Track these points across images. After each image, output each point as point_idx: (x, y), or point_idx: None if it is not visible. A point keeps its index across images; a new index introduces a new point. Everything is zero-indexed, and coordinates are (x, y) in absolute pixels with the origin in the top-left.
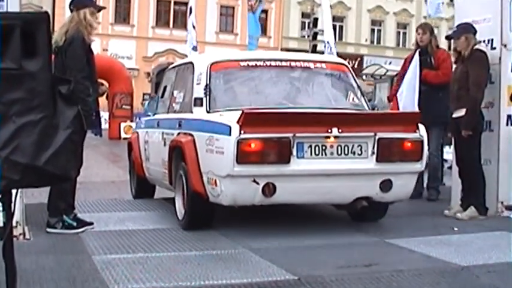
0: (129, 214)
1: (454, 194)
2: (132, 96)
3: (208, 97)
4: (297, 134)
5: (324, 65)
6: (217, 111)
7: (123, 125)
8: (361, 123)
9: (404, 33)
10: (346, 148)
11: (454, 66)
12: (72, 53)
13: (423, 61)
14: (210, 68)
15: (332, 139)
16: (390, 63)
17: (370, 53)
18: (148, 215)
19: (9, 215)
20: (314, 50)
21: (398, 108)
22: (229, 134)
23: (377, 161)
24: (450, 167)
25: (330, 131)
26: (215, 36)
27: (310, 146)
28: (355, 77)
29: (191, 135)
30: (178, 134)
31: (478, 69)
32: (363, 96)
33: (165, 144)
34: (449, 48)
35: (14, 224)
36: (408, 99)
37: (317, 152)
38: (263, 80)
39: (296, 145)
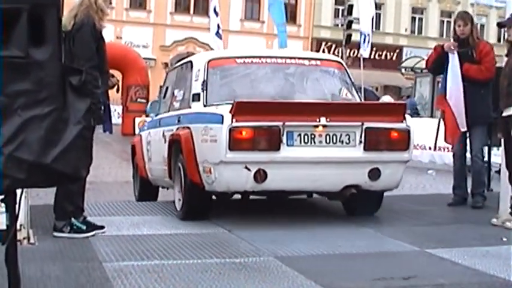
0: (144, 218)
1: (503, 201)
2: (148, 89)
3: (205, 92)
4: (287, 123)
5: (318, 62)
6: (214, 105)
7: (137, 120)
8: (348, 113)
9: (449, 22)
10: (334, 137)
11: (505, 58)
12: (81, 39)
13: (463, 54)
14: (208, 64)
15: (320, 128)
16: None
17: (410, 44)
18: (165, 219)
19: (12, 217)
20: (348, 40)
21: (454, 117)
22: (222, 123)
23: (364, 149)
24: (498, 171)
25: (318, 120)
26: (240, 24)
27: (300, 135)
28: (349, 75)
29: (188, 128)
30: (177, 129)
31: None
32: (357, 93)
33: (165, 141)
34: (498, 39)
35: (17, 227)
36: (458, 102)
37: (306, 141)
38: (258, 76)
39: (286, 133)
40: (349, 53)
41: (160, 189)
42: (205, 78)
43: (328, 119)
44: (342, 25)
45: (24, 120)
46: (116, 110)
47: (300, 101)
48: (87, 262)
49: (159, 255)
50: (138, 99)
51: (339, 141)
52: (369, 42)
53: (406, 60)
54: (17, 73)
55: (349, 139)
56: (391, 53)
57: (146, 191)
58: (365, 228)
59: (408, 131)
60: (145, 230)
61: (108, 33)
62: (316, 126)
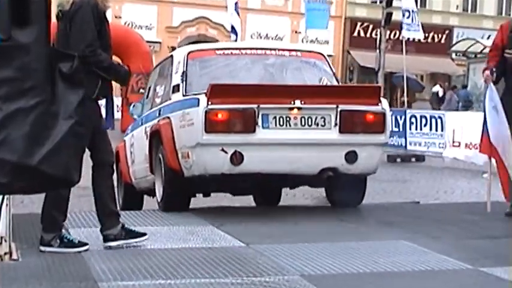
0: (147, 229)
1: None
2: None
3: (184, 83)
4: (262, 105)
5: (299, 53)
6: (193, 94)
7: None
8: (323, 96)
9: None
10: (309, 119)
11: None
12: (81, 20)
13: None
14: (187, 56)
15: (295, 111)
16: (489, 37)
17: (462, 25)
18: (171, 231)
19: None
20: (388, 20)
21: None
22: (198, 105)
23: (340, 132)
24: None
25: (293, 102)
26: (260, 1)
27: (275, 117)
28: (331, 66)
29: (168, 118)
30: (158, 121)
31: None
32: (338, 83)
33: (147, 138)
34: None
35: None
36: (506, 149)
37: (281, 123)
38: (237, 67)
39: (261, 116)
40: (389, 35)
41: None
42: (185, 69)
43: (302, 102)
44: (381, 2)
45: (5, 114)
46: (115, 103)
47: (275, 83)
48: (80, 282)
49: (164, 274)
50: (141, 90)
51: (314, 123)
52: (413, 22)
53: (457, 43)
54: None
55: (324, 122)
56: (440, 35)
57: (130, 198)
58: (404, 241)
59: (384, 114)
60: (148, 243)
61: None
62: (291, 108)
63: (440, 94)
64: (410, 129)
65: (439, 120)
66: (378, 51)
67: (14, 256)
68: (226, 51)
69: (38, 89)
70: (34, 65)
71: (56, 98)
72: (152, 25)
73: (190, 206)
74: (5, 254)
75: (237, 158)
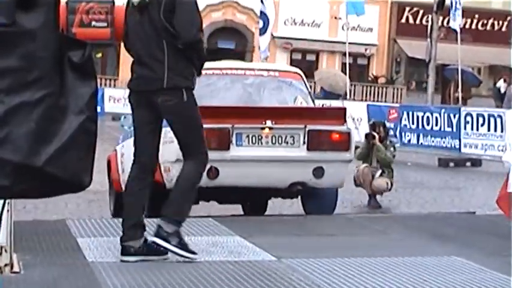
0: None
1: None
2: None
3: None
4: (236, 125)
5: (276, 73)
6: None
7: None
8: (292, 117)
9: None
10: (279, 138)
11: None
12: (189, 4)
13: None
14: None
15: (267, 130)
16: None
17: None
18: (192, 241)
19: None
20: (441, 5)
21: None
22: None
23: (308, 149)
24: None
25: (264, 123)
26: None
27: (248, 136)
28: (307, 84)
29: None
30: None
31: None
32: (313, 102)
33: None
34: None
35: None
36: None
37: (254, 141)
38: (218, 86)
39: (235, 134)
40: (442, 22)
41: None
42: None
43: (273, 122)
44: None
45: (8, 108)
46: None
47: (248, 105)
48: None
49: None
50: None
51: (284, 142)
52: (453, 7)
53: None
54: (0, 46)
55: (293, 140)
56: (500, 22)
57: (120, 206)
58: (457, 257)
59: (349, 133)
60: (167, 255)
61: None
62: (263, 128)
63: (503, 90)
64: (465, 129)
65: (498, 120)
66: (428, 40)
67: (16, 268)
68: (208, 72)
69: (45, 80)
70: (40, 53)
71: (65, 90)
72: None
73: (214, 214)
74: (5, 265)
75: (213, 173)
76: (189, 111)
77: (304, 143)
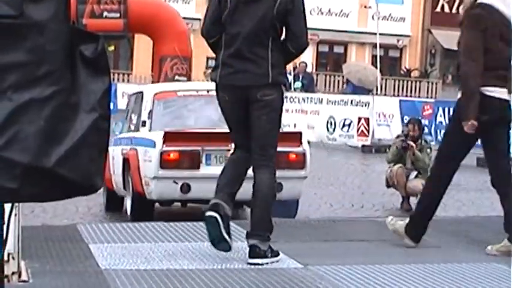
0: (183, 245)
1: None
2: (191, 62)
3: (150, 120)
4: (205, 148)
5: None
6: (156, 130)
7: None
8: None
9: None
10: None
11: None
12: (301, 9)
13: None
14: (154, 96)
15: (232, 152)
16: None
17: None
18: (210, 247)
19: None
20: None
21: None
22: (155, 147)
23: None
24: None
25: (229, 145)
26: None
27: (216, 156)
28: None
29: (136, 149)
30: (130, 149)
31: (466, 33)
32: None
33: (122, 159)
34: None
35: (5, 257)
36: None
37: (221, 161)
38: (193, 107)
39: (205, 155)
40: None
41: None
42: (152, 108)
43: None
44: None
45: (16, 106)
46: None
47: (215, 130)
48: None
49: None
50: (176, 77)
51: None
52: None
53: None
54: (7, 39)
55: None
56: None
57: (112, 201)
58: (497, 263)
59: (304, 153)
60: (185, 262)
61: None
62: (228, 150)
63: None
64: None
65: None
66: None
67: (24, 277)
68: (185, 93)
69: (55, 76)
70: (50, 47)
71: (77, 86)
72: None
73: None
74: (13, 273)
75: (185, 188)
76: (281, 106)
77: None
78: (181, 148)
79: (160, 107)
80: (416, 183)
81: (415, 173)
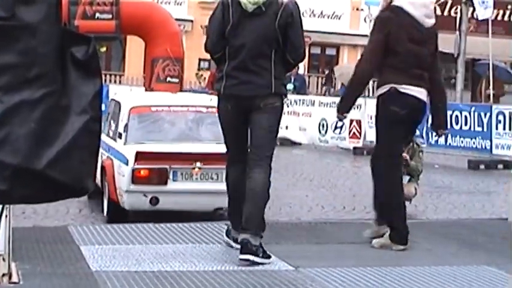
0: (174, 247)
1: None
2: (183, 64)
3: (126, 133)
4: (172, 166)
5: (214, 109)
6: (131, 143)
7: None
8: (217, 160)
9: None
10: (206, 175)
11: None
12: (299, 24)
13: None
14: (130, 111)
15: (196, 169)
16: None
17: None
18: (204, 250)
19: None
20: None
21: None
22: (127, 164)
23: None
24: None
25: (195, 164)
26: None
27: (182, 173)
28: None
29: (112, 160)
30: (107, 157)
31: (372, 34)
32: None
33: (101, 164)
34: None
35: None
36: None
37: (186, 177)
38: (166, 121)
39: (172, 172)
40: (472, 14)
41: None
42: (127, 121)
43: (201, 163)
44: None
45: (7, 108)
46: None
47: (182, 151)
48: None
49: None
50: (168, 79)
51: (210, 178)
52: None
53: None
54: None
55: (217, 176)
56: None
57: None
58: (488, 266)
59: None
60: (176, 264)
61: None
62: (193, 168)
63: None
64: (497, 129)
65: None
66: (457, 32)
67: (14, 278)
68: (158, 108)
69: (46, 78)
70: (41, 49)
71: (67, 88)
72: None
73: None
74: (4, 275)
75: (154, 201)
76: (281, 114)
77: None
78: (150, 166)
79: (135, 121)
80: (410, 188)
81: (407, 177)
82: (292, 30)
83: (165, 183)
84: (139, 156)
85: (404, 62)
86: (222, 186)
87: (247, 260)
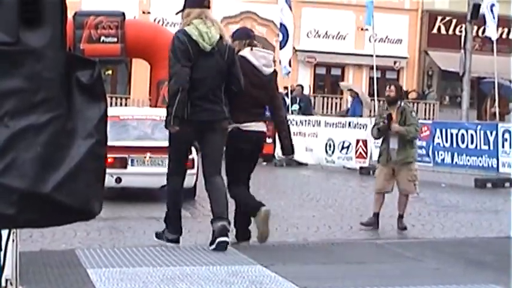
0: (181, 269)
1: None
2: None
3: None
4: (130, 155)
5: (163, 117)
6: None
7: None
8: (162, 151)
9: None
10: (155, 161)
11: None
12: (237, 63)
13: None
14: None
15: (147, 158)
16: None
17: None
18: (211, 271)
19: None
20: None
21: None
22: None
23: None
24: None
25: (146, 154)
26: None
27: (137, 160)
28: None
29: None
30: None
31: None
32: None
33: None
34: None
35: (2, 283)
36: None
37: (140, 164)
38: (129, 127)
39: (130, 160)
40: (476, 32)
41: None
42: None
43: (151, 154)
44: None
45: (13, 132)
46: None
47: (138, 145)
48: None
49: None
50: None
51: (157, 164)
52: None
53: None
54: (4, 66)
55: (162, 162)
56: None
57: None
58: (496, 285)
59: (193, 159)
60: (183, 286)
61: (132, 7)
62: (145, 157)
63: None
64: (503, 147)
65: None
66: (462, 51)
67: None
68: (125, 117)
69: (52, 103)
70: (47, 74)
71: (73, 112)
72: None
73: (232, 241)
74: None
75: (118, 180)
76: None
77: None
78: (115, 155)
79: (108, 125)
80: (408, 187)
81: (396, 148)
82: (234, 67)
83: (125, 167)
84: (108, 149)
85: (247, 103)
86: (166, 169)
87: (225, 241)
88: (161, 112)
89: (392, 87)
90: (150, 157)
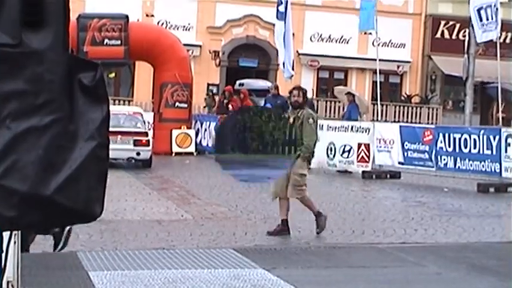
0: (183, 272)
1: None
2: (191, 89)
3: None
4: (110, 137)
5: (131, 112)
6: None
7: (175, 132)
8: (129, 134)
9: None
10: (124, 141)
11: None
12: None
13: None
14: None
15: (119, 139)
16: None
17: None
18: (212, 274)
19: None
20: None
21: None
22: None
23: (134, 145)
24: None
25: (118, 136)
26: None
27: (116, 140)
28: (143, 118)
29: None
30: None
31: None
32: (145, 124)
33: None
34: None
35: (4, 285)
36: None
37: (117, 142)
38: (114, 119)
39: (111, 140)
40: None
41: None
42: None
43: (122, 136)
44: None
45: (15, 134)
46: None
47: (112, 130)
48: None
49: None
50: (177, 104)
51: (126, 143)
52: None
53: None
54: (6, 68)
55: (128, 142)
56: None
57: None
58: (484, 275)
59: (148, 140)
60: None
61: (135, 10)
62: (120, 138)
63: None
64: (506, 152)
65: None
66: (466, 56)
67: None
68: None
69: (54, 105)
70: (49, 76)
71: (75, 115)
72: (191, 25)
73: (235, 245)
74: None
75: None
76: None
77: (133, 143)
78: None
79: None
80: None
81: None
82: None
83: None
84: None
85: None
86: (131, 146)
87: None
88: (129, 109)
89: (301, 93)
90: (120, 138)
